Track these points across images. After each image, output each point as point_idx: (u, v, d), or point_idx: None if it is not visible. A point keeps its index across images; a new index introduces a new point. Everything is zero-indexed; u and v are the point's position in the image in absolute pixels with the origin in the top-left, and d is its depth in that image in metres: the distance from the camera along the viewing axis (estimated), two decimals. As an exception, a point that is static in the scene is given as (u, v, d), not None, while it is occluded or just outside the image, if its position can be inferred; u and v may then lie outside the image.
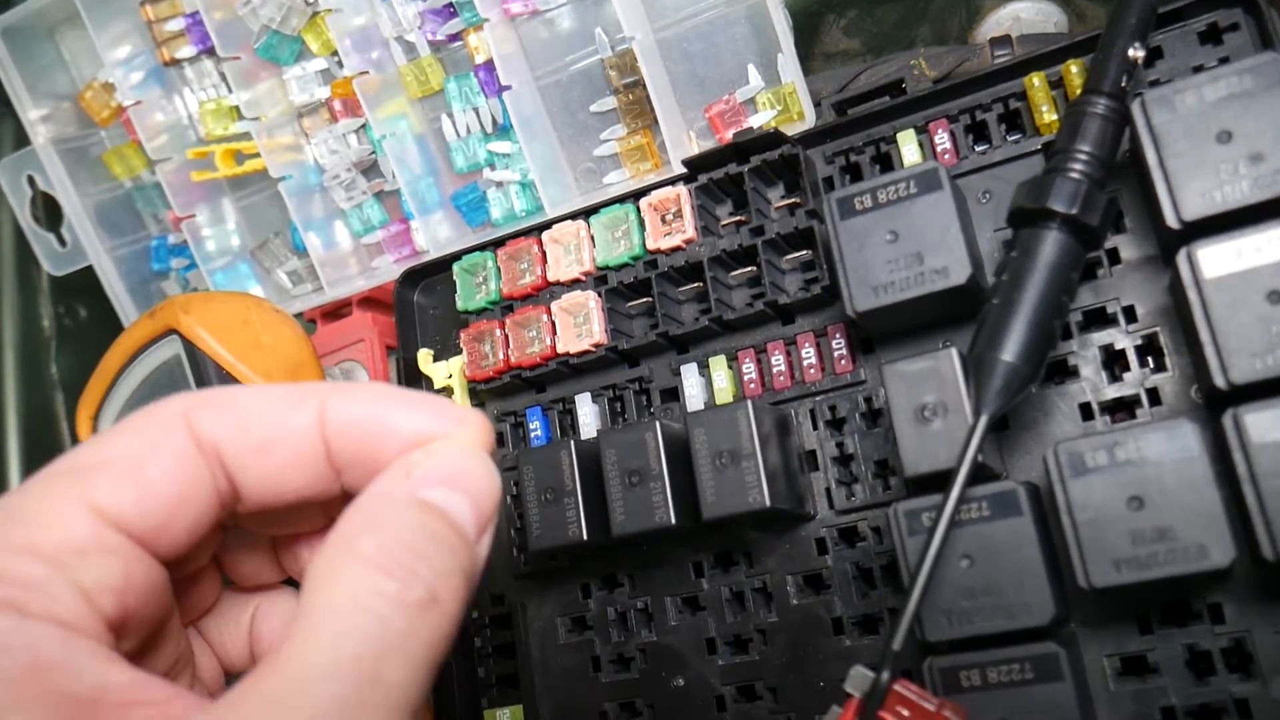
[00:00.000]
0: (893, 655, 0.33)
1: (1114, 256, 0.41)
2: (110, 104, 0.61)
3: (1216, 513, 0.34)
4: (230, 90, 0.59)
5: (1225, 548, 0.33)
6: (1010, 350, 0.35)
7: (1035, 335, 0.36)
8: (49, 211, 0.63)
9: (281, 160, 0.58)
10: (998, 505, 0.37)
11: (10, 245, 0.64)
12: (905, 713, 0.33)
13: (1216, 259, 0.35)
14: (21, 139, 0.66)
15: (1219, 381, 0.34)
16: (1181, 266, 0.35)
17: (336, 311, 0.60)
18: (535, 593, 0.50)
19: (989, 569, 0.36)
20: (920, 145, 0.45)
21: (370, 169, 0.58)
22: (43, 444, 0.63)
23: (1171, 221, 0.36)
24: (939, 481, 0.37)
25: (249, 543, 0.31)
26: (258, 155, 0.59)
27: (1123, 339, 0.40)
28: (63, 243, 0.62)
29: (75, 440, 0.65)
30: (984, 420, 0.35)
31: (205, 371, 0.49)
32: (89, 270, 0.63)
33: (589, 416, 0.50)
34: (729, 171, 0.46)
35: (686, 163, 0.47)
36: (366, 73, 0.55)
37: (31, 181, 0.61)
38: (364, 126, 0.57)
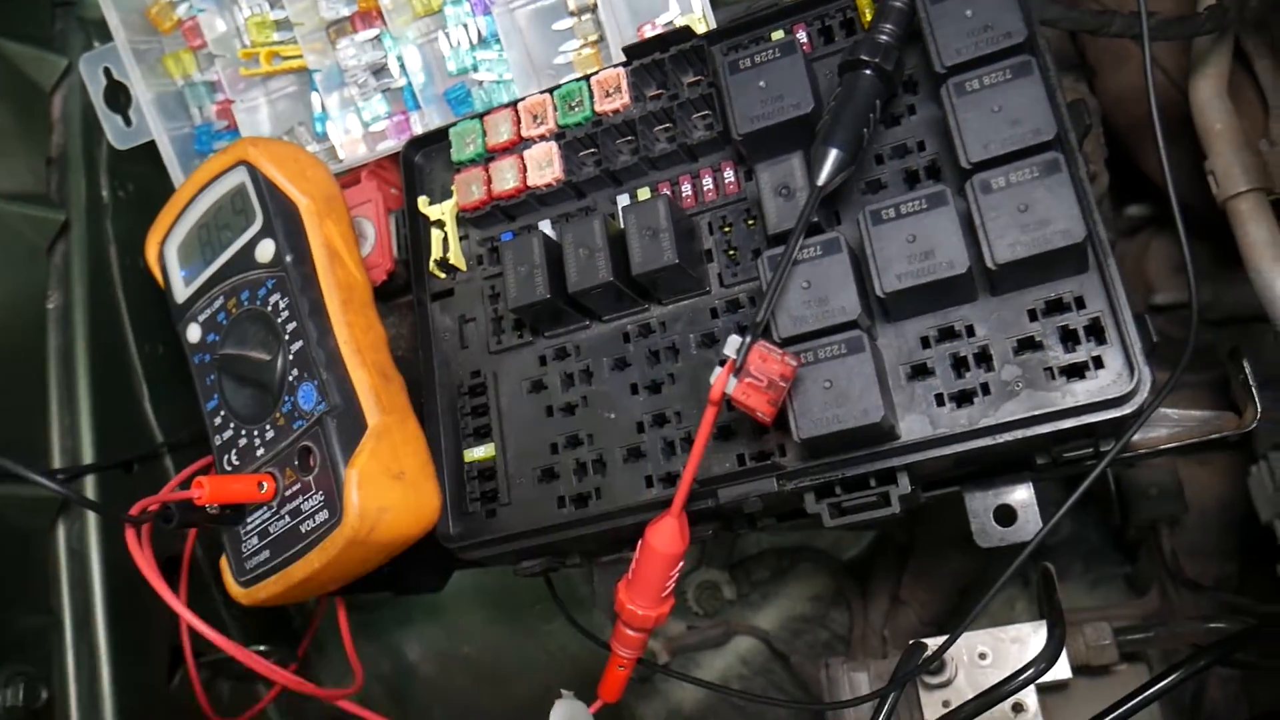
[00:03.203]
0: (756, 325, 0.52)
1: (912, 110, 0.61)
2: (172, 17, 0.78)
3: (959, 240, 0.53)
4: (271, 7, 0.77)
5: (963, 260, 0.53)
6: (834, 143, 0.55)
7: (851, 135, 0.55)
8: (110, 99, 0.79)
9: (313, 63, 0.75)
10: (826, 247, 0.55)
11: (78, 127, 0.80)
12: (762, 361, 0.52)
13: (964, 86, 0.55)
14: (87, 44, 0.83)
15: (963, 162, 0.54)
16: (943, 94, 0.55)
17: (348, 182, 0.77)
18: (503, 365, 0.67)
19: (819, 289, 0.55)
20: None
21: (380, 70, 0.76)
22: (101, 289, 0.79)
23: (938, 68, 0.56)
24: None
25: None
26: (290, 58, 0.77)
27: (915, 161, 0.60)
28: (128, 123, 0.78)
29: (126, 280, 0.80)
30: (817, 189, 0.55)
31: (264, 193, 0.66)
32: (138, 152, 0.79)
33: (548, 240, 0.68)
34: (655, 57, 0.65)
35: (626, 49, 0.66)
36: (385, -7, 0.73)
37: (107, 72, 0.78)
38: (378, 37, 0.75)
